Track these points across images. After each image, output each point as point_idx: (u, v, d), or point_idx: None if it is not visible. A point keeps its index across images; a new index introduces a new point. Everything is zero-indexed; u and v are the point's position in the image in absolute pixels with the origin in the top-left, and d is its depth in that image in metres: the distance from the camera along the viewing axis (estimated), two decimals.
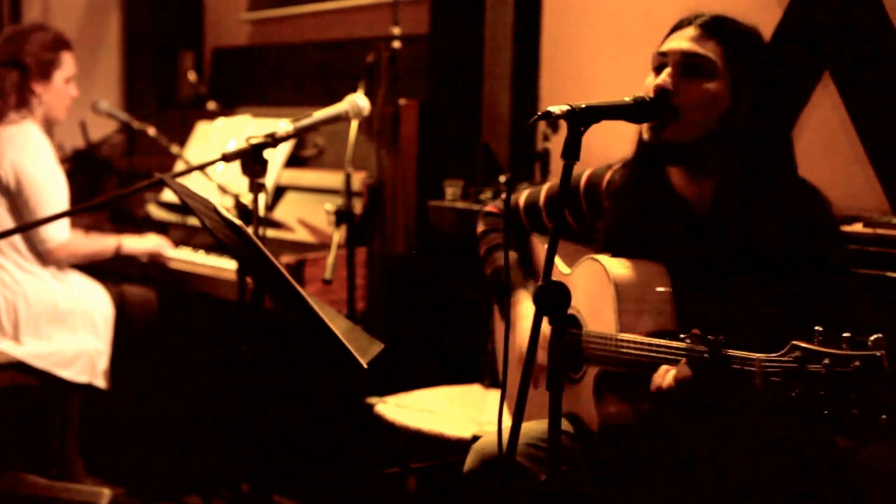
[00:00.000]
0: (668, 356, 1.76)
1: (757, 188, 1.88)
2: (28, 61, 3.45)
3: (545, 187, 2.29)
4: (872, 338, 1.48)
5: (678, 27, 1.94)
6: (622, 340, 1.87)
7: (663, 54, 1.91)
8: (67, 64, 3.54)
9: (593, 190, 2.15)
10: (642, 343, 1.82)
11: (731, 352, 1.66)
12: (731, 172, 1.89)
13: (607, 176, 2.12)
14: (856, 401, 1.46)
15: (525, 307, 2.24)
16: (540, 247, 2.33)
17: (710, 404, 1.76)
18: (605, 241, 2.06)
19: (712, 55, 1.87)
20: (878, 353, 1.46)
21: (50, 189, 3.39)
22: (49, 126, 3.62)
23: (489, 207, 2.42)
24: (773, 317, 1.80)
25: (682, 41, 1.90)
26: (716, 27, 1.89)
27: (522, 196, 2.33)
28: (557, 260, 2.17)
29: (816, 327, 1.53)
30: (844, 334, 1.50)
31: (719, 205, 1.91)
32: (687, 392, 1.72)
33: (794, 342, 1.54)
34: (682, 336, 1.74)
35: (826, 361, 1.49)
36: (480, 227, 2.42)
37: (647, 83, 1.93)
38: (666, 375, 1.75)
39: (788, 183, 1.91)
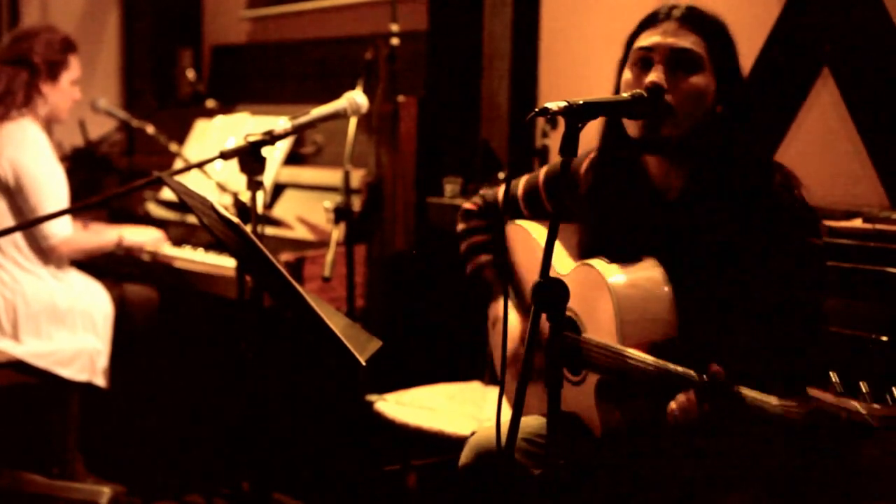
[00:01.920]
0: (676, 383, 1.75)
1: (727, 175, 1.87)
2: (37, 61, 3.48)
3: (542, 170, 2.28)
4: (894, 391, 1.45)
5: (654, 21, 1.93)
6: (629, 357, 1.84)
7: (648, 49, 1.90)
8: (74, 66, 3.56)
9: (571, 177, 2.14)
10: (651, 364, 1.80)
11: (746, 392, 1.64)
12: (703, 160, 1.89)
13: (585, 163, 2.11)
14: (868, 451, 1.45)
15: (510, 318, 2.23)
16: (518, 239, 2.30)
17: (714, 431, 1.76)
18: (587, 239, 2.05)
19: (697, 48, 1.88)
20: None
21: (49, 185, 3.39)
22: (48, 125, 3.62)
23: (467, 205, 2.42)
24: (752, 315, 1.80)
25: (667, 36, 1.89)
26: (694, 19, 1.90)
27: (500, 190, 2.34)
28: (555, 259, 2.16)
29: (833, 378, 1.50)
30: (861, 383, 1.47)
31: (688, 192, 1.91)
32: (696, 426, 1.72)
33: (810, 392, 1.52)
34: (694, 373, 1.72)
35: (843, 416, 1.47)
36: (460, 226, 2.41)
37: (626, 78, 1.93)
38: (679, 416, 1.74)
39: (759, 170, 1.89)
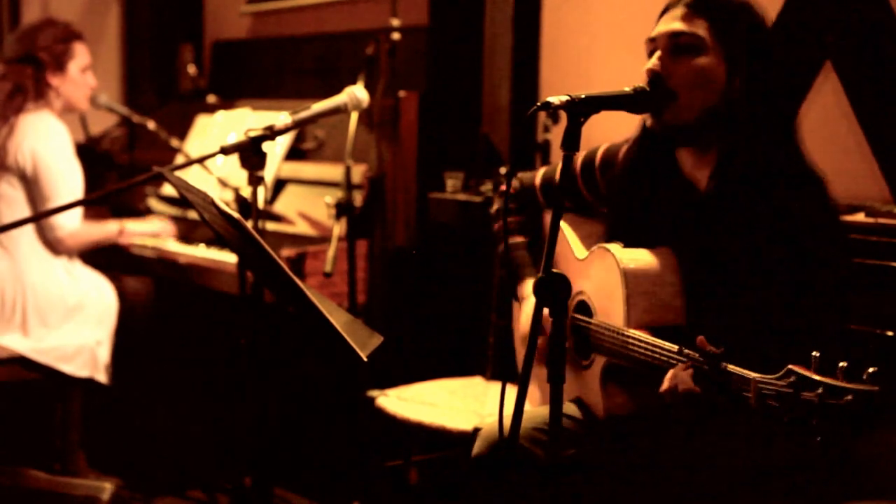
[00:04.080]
0: (670, 361, 1.76)
1: (757, 166, 1.87)
2: (42, 55, 3.48)
3: (582, 154, 2.28)
4: (869, 370, 1.46)
5: (666, 10, 1.94)
6: (629, 337, 1.86)
7: (654, 38, 1.92)
8: (81, 54, 3.56)
9: (609, 164, 2.15)
10: (647, 343, 1.82)
11: (730, 367, 1.65)
12: (731, 151, 1.89)
13: (623, 150, 2.12)
14: (847, 433, 1.45)
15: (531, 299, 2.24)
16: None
17: (707, 411, 1.76)
18: (613, 226, 2.06)
19: (700, 31, 1.87)
20: (872, 389, 1.45)
21: (65, 177, 3.41)
22: (64, 116, 3.63)
23: (504, 187, 2.44)
24: (775, 309, 1.80)
25: (670, 22, 1.90)
26: (702, 4, 1.89)
27: (539, 174, 2.35)
28: (574, 242, 2.18)
29: (814, 352, 1.52)
30: (841, 364, 1.48)
31: (719, 184, 1.91)
32: (687, 401, 1.71)
33: (791, 367, 1.53)
34: (683, 349, 1.73)
35: (820, 391, 1.48)
36: (495, 206, 2.45)
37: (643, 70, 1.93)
38: (670, 385, 1.74)
39: (790, 163, 1.89)
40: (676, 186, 1.98)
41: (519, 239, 2.35)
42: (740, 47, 1.88)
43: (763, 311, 1.81)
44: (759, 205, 1.86)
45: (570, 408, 2.08)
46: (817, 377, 1.49)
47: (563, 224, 2.30)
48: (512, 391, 2.03)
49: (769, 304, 1.81)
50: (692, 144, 1.93)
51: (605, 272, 1.98)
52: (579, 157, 2.26)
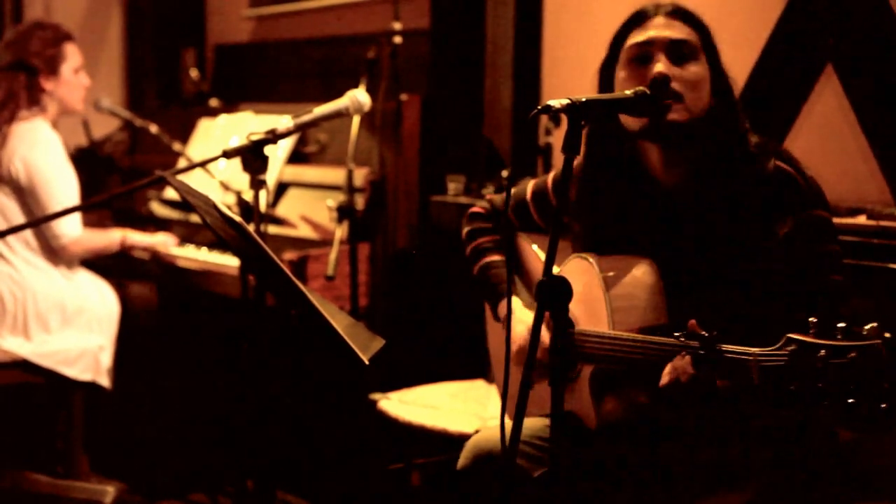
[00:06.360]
0: (663, 353, 1.75)
1: (729, 160, 1.88)
2: (33, 61, 3.46)
3: (531, 182, 2.28)
4: (867, 327, 1.47)
5: (642, 19, 1.94)
6: (616, 339, 1.86)
7: (646, 44, 1.91)
8: (72, 55, 3.54)
9: (542, 196, 2.20)
10: (637, 341, 1.82)
11: (726, 347, 1.65)
12: (704, 153, 1.90)
13: (550, 176, 2.17)
14: (854, 391, 1.45)
15: (518, 313, 2.22)
16: (527, 247, 2.32)
17: (708, 399, 1.75)
18: (583, 232, 2.05)
19: (692, 39, 1.91)
20: (875, 343, 1.45)
21: (60, 185, 3.40)
22: (57, 122, 3.63)
23: (475, 209, 2.40)
24: (760, 301, 1.80)
25: (662, 29, 1.91)
26: (682, 13, 1.93)
27: (511, 194, 2.32)
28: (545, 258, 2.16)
29: (811, 318, 1.52)
30: (839, 324, 1.49)
31: (695, 180, 1.91)
32: (688, 388, 1.71)
33: (789, 335, 1.53)
34: (676, 334, 1.73)
35: (822, 353, 1.48)
36: (466, 228, 2.38)
37: (620, 77, 1.93)
38: (671, 378, 1.74)
39: (761, 153, 1.90)
40: (646, 187, 1.98)
41: (496, 257, 2.31)
42: (717, 56, 1.93)
43: (748, 298, 1.82)
44: (736, 193, 1.86)
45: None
46: (818, 340, 1.50)
47: (529, 242, 2.30)
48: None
49: (754, 293, 1.82)
50: (673, 144, 1.93)
51: (583, 281, 1.97)
52: (529, 187, 2.26)
